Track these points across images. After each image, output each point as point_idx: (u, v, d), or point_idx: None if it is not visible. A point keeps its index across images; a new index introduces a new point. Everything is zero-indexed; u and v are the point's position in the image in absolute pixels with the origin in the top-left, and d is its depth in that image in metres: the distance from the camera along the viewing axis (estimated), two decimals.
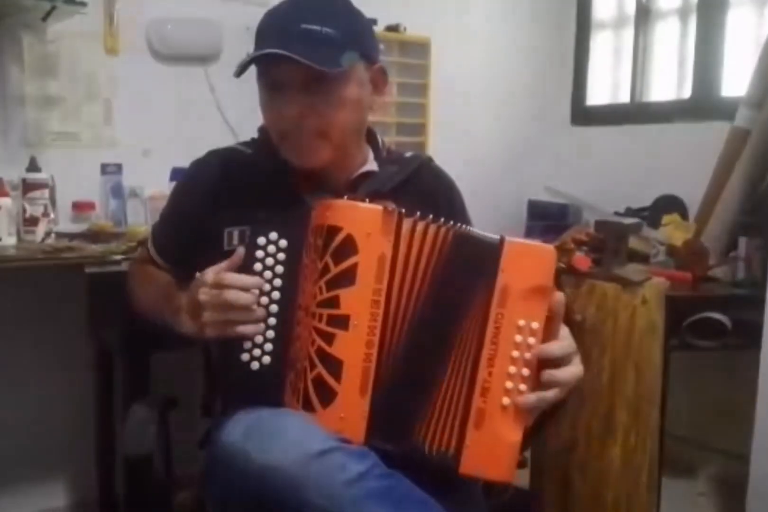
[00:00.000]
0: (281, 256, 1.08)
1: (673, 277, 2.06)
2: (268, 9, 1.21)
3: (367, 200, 1.08)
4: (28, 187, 1.85)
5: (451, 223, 1.07)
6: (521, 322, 1.03)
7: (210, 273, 1.07)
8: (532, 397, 1.03)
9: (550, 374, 1.03)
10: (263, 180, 1.26)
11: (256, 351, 1.07)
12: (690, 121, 2.74)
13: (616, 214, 2.67)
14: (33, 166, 1.88)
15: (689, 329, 2.07)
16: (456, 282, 1.06)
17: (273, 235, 1.08)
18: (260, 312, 1.06)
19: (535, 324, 1.03)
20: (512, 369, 1.03)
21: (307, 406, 1.03)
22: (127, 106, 2.21)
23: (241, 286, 1.05)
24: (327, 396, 1.02)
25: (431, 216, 1.06)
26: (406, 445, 1.05)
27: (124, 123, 2.21)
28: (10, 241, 1.78)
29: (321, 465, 0.95)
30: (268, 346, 1.07)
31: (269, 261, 1.08)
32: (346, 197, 1.09)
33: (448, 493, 1.14)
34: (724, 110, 2.53)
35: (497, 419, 1.02)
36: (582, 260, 1.88)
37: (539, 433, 1.14)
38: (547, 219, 2.96)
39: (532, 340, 1.03)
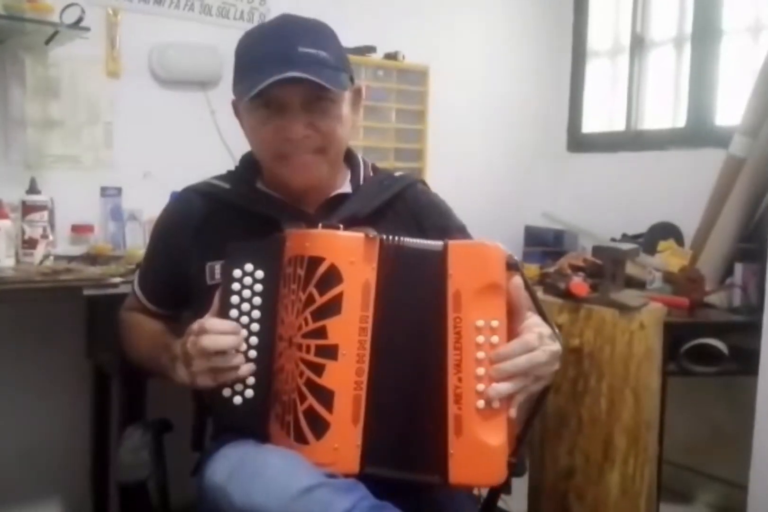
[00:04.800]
0: (258, 287, 1.09)
1: (670, 303, 2.06)
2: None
3: (342, 227, 1.08)
4: (27, 209, 1.85)
5: (396, 238, 1.06)
6: (480, 323, 1.02)
7: (196, 323, 1.08)
8: (498, 389, 1.00)
9: (494, 368, 1.01)
10: (242, 212, 1.26)
11: (238, 386, 1.07)
12: (685, 149, 2.77)
13: (613, 240, 2.68)
14: (33, 188, 1.88)
15: (686, 355, 2.07)
16: (417, 298, 1.05)
17: (248, 267, 1.09)
18: (241, 357, 1.06)
19: (495, 323, 1.02)
20: (480, 370, 1.01)
21: (300, 439, 1.02)
22: (127, 129, 2.22)
23: (219, 331, 1.05)
24: (320, 427, 1.01)
25: (409, 238, 1.07)
26: (403, 469, 1.04)
27: (124, 146, 2.22)
28: (9, 262, 1.78)
29: (305, 503, 0.94)
30: (251, 380, 1.07)
31: (246, 293, 1.08)
32: (320, 225, 1.09)
33: None
34: (719, 138, 2.56)
35: (476, 423, 1.01)
36: (579, 286, 1.88)
37: (528, 430, 1.12)
38: (543, 245, 2.97)
39: (495, 339, 1.02)
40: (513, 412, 1.02)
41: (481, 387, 1.01)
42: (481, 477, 1.03)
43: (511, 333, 1.04)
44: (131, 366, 1.38)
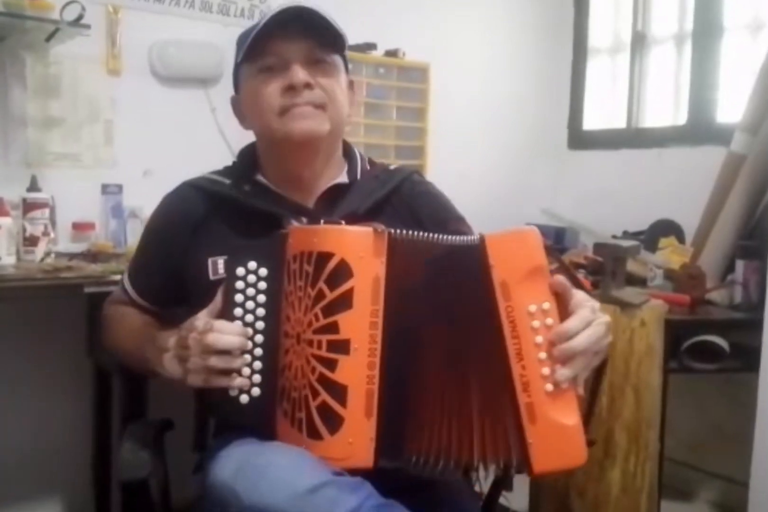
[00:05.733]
0: (262, 284, 1.08)
1: (671, 300, 2.06)
2: None
3: (343, 222, 1.09)
4: (28, 206, 1.85)
5: (433, 235, 1.07)
6: (532, 308, 1.02)
7: (202, 318, 1.07)
8: (564, 372, 1.01)
9: (557, 349, 1.01)
10: (241, 206, 1.26)
11: (234, 390, 1.06)
12: (686, 146, 2.76)
13: (613, 237, 2.68)
14: (34, 186, 1.88)
15: (687, 352, 2.07)
16: (453, 292, 1.06)
17: (252, 265, 1.08)
18: (245, 359, 1.06)
19: (546, 305, 1.03)
20: (542, 355, 1.02)
21: (314, 434, 1.02)
22: (128, 127, 2.22)
23: (227, 332, 1.05)
24: (334, 422, 1.01)
25: (417, 232, 1.07)
26: (412, 461, 1.03)
27: (125, 144, 2.22)
28: (10, 260, 1.78)
29: (312, 501, 0.94)
30: (257, 378, 1.07)
31: (250, 291, 1.08)
32: (322, 221, 1.10)
33: None
34: (720, 135, 2.56)
35: (549, 407, 1.01)
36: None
37: (594, 406, 1.13)
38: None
39: (549, 321, 1.02)
40: (581, 390, 1.03)
41: (546, 370, 1.01)
42: (565, 460, 1.03)
43: (563, 312, 1.04)
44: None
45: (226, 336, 1.04)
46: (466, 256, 1.06)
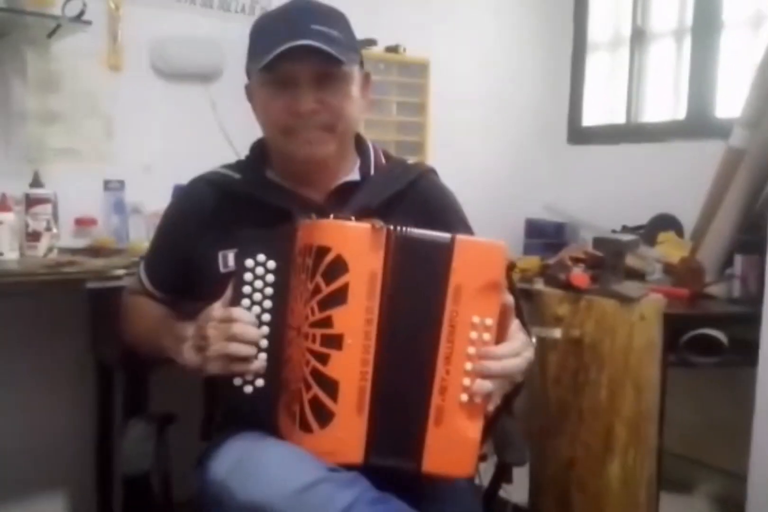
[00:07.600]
0: (270, 277, 1.10)
1: (670, 294, 2.07)
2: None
3: (353, 218, 1.08)
4: (31, 202, 1.86)
5: (403, 228, 1.07)
6: (476, 319, 1.04)
7: (219, 309, 1.09)
8: (482, 385, 1.03)
9: (479, 364, 1.03)
10: (252, 201, 1.27)
11: (249, 375, 1.08)
12: (685, 141, 2.77)
13: (613, 232, 2.69)
14: (36, 182, 1.89)
15: (686, 346, 2.07)
16: (419, 288, 1.06)
17: (261, 257, 1.10)
18: (262, 345, 1.07)
19: (489, 321, 1.04)
20: (468, 366, 1.03)
21: (305, 427, 1.03)
22: (128, 123, 2.22)
23: (249, 322, 1.07)
24: (324, 416, 1.02)
25: (416, 229, 1.07)
26: (406, 460, 1.04)
27: (126, 140, 2.22)
28: (12, 255, 1.79)
29: (308, 499, 0.95)
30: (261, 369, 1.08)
31: (258, 283, 1.09)
32: (332, 216, 1.10)
33: (447, 509, 1.14)
34: (719, 130, 2.56)
35: (457, 416, 1.03)
36: (580, 277, 1.89)
37: (495, 425, 1.16)
38: (544, 237, 2.97)
39: (487, 336, 1.04)
40: (491, 409, 1.05)
41: (467, 381, 1.03)
42: (453, 468, 1.05)
43: (500, 334, 1.06)
44: (132, 358, 1.39)
45: (249, 327, 1.07)
46: (436, 252, 1.06)
